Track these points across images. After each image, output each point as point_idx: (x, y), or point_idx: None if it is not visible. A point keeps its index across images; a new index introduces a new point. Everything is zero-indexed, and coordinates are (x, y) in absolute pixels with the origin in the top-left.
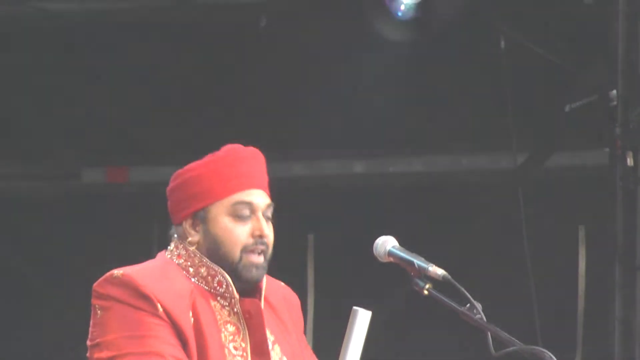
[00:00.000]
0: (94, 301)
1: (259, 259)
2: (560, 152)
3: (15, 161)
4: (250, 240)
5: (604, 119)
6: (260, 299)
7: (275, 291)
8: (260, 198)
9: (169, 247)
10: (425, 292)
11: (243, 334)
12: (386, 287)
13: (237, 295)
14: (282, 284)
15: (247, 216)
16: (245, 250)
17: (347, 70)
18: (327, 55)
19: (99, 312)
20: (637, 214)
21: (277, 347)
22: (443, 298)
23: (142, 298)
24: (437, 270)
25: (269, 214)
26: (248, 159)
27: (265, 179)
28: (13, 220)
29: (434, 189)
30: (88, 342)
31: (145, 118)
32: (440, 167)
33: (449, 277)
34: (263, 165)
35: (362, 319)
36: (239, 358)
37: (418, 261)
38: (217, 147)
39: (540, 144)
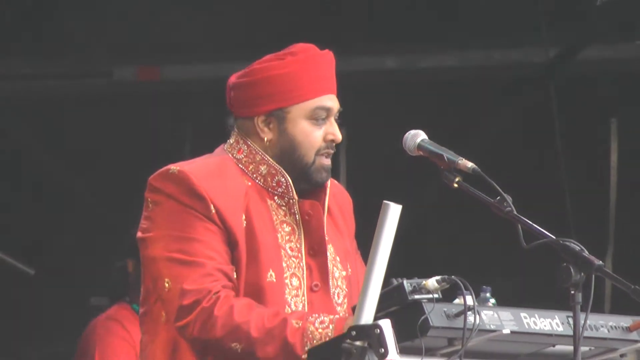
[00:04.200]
0: (147, 194)
1: (328, 162)
2: (592, 46)
3: (46, 60)
4: (323, 144)
5: (636, 12)
6: (323, 201)
7: (330, 191)
8: (335, 103)
9: (228, 141)
10: (455, 184)
11: (298, 234)
12: (417, 181)
13: (296, 196)
14: (336, 182)
15: (322, 120)
16: (318, 153)
17: None
18: None
19: (150, 205)
20: None
21: (330, 247)
22: (473, 190)
23: (195, 197)
24: (467, 163)
25: (336, 117)
26: (327, 62)
27: (335, 82)
28: (44, 119)
29: (466, 84)
30: (138, 234)
31: (176, 15)
32: (472, 62)
33: (479, 170)
34: (334, 69)
35: (392, 212)
36: (294, 259)
37: (447, 154)
38: (249, 45)
39: (572, 37)
